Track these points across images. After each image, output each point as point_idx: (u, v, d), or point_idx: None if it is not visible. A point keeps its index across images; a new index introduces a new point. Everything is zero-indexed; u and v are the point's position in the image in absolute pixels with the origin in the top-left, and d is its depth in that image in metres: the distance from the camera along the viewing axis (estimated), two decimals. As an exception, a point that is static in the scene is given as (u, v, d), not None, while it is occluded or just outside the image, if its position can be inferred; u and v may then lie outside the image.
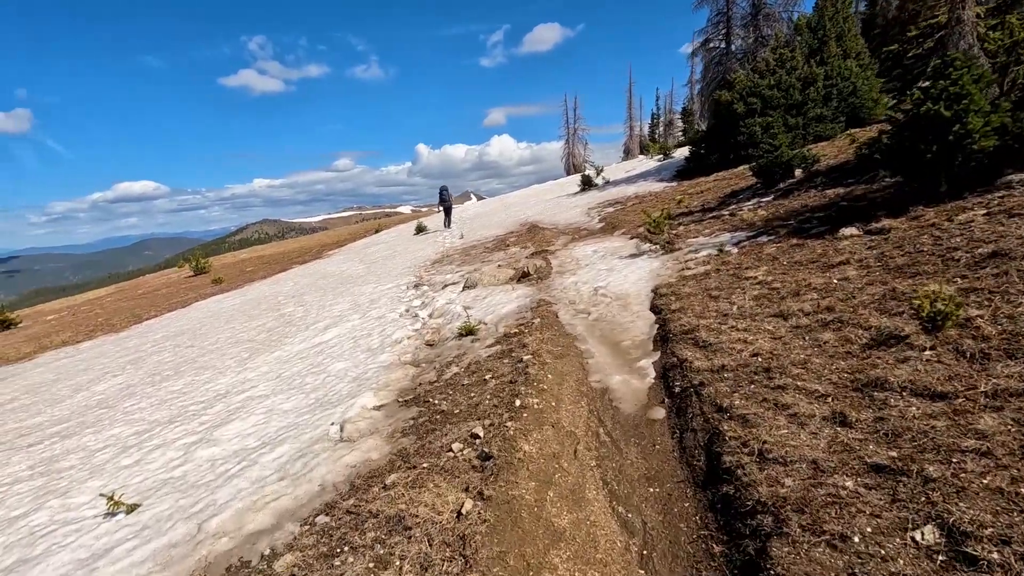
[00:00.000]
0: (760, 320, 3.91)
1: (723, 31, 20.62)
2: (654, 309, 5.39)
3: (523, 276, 8.30)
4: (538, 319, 5.73)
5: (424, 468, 3.17)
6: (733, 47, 20.51)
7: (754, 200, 9.39)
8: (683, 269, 6.39)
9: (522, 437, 3.07)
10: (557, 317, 5.91)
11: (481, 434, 3.36)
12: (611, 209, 13.98)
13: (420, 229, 20.72)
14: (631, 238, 9.59)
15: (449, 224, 19.61)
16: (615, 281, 6.69)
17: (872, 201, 6.47)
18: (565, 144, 46.05)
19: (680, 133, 42.96)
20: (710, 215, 9.45)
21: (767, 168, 10.10)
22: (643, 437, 3.15)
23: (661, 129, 48.50)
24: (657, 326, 4.86)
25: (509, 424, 3.30)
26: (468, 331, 5.97)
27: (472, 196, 52.81)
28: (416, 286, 9.97)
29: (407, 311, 8.24)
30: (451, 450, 3.30)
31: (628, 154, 45.96)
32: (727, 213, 9.04)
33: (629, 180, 19.75)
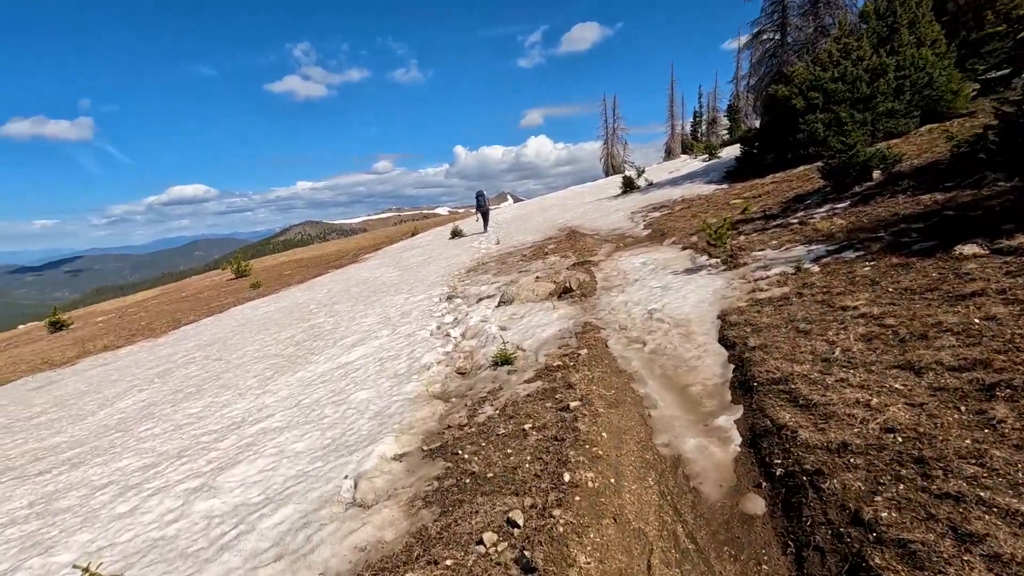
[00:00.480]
0: (881, 373, 3.00)
1: (778, 21, 19.26)
2: (724, 342, 4.52)
3: (565, 291, 7.51)
4: (585, 349, 4.95)
5: (447, 567, 2.46)
6: (789, 38, 19.11)
7: (826, 206, 8.30)
8: (753, 291, 5.48)
9: (575, 538, 2.32)
10: (607, 346, 5.11)
11: (520, 522, 2.63)
12: (657, 214, 13.01)
13: (456, 233, 20.28)
14: (684, 248, 8.67)
15: (486, 228, 19.16)
16: (672, 303, 5.83)
17: (989, 210, 5.38)
18: (604, 144, 44.92)
19: (725, 132, 41.13)
20: (775, 223, 8.41)
21: (840, 169, 8.95)
22: (740, 546, 2.31)
23: (704, 128, 46.61)
24: (733, 366, 4.00)
25: (556, 513, 2.55)
26: (504, 360, 5.25)
27: (509, 197, 52.33)
28: (449, 298, 9.34)
29: (438, 328, 7.61)
30: (482, 542, 2.58)
31: (670, 154, 44.44)
32: (796, 221, 8.00)
33: (674, 182, 18.63)
